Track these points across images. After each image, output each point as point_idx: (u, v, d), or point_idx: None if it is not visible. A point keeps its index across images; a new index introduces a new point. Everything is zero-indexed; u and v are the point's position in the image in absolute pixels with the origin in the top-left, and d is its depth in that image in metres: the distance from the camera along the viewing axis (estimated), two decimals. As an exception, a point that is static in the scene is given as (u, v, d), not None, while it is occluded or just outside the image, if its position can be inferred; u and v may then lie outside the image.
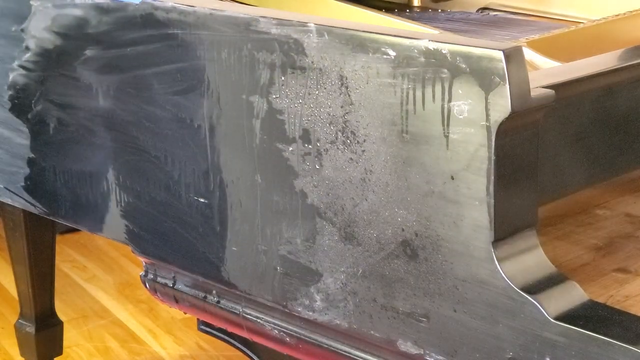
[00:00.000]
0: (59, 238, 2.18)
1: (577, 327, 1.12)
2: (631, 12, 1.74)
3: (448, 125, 1.18)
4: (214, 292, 1.55)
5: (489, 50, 1.13)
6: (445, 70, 1.17)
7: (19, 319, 2.18)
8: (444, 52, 1.17)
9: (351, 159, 1.28)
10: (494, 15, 2.12)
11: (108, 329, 2.63)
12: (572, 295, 1.18)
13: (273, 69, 1.33)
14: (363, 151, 1.26)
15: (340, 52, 1.26)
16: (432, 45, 1.18)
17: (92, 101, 1.61)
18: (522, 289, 1.16)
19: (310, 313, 1.38)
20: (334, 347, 1.39)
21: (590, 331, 1.11)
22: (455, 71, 1.16)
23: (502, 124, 1.14)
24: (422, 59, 1.19)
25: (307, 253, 1.35)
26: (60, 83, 1.66)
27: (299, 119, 1.32)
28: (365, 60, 1.24)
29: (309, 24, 1.29)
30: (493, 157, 1.15)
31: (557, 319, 1.14)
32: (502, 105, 1.13)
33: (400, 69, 1.21)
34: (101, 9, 1.54)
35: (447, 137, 1.18)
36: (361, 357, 1.36)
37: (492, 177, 1.16)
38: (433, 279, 1.23)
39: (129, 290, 2.83)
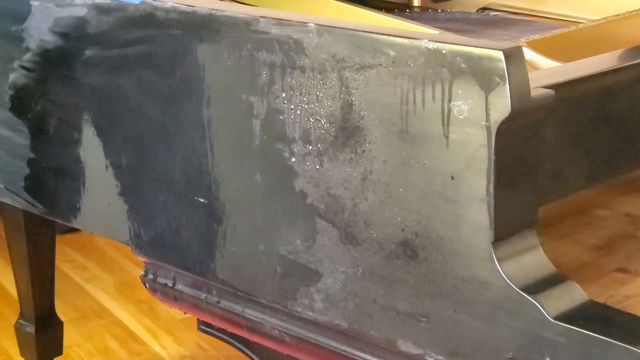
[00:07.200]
0: (59, 238, 2.18)
1: (577, 327, 1.12)
2: (631, 12, 1.74)
3: (448, 125, 1.18)
4: (214, 292, 1.55)
5: (489, 50, 1.13)
6: (445, 71, 1.17)
7: (19, 319, 2.17)
8: (444, 52, 1.17)
9: (351, 159, 1.28)
10: (494, 15, 2.12)
11: (108, 329, 2.63)
12: (572, 295, 1.18)
13: (273, 69, 1.33)
14: (363, 151, 1.26)
15: (341, 52, 1.26)
16: (432, 45, 1.18)
17: (91, 101, 1.61)
18: (522, 289, 1.16)
19: (310, 313, 1.38)
20: (334, 347, 1.39)
21: (590, 331, 1.11)
22: (456, 71, 1.16)
23: (502, 124, 1.14)
24: (422, 59, 1.19)
25: (307, 253, 1.35)
26: (60, 83, 1.66)
27: (299, 119, 1.32)
28: (366, 60, 1.23)
29: (309, 24, 1.29)
30: (493, 157, 1.15)
31: (557, 319, 1.14)
32: (502, 105, 1.13)
33: (400, 69, 1.21)
34: (101, 9, 1.54)
35: (447, 137, 1.18)
36: (361, 357, 1.36)
37: (492, 177, 1.16)
38: (433, 279, 1.23)
39: (129, 290, 2.83)
